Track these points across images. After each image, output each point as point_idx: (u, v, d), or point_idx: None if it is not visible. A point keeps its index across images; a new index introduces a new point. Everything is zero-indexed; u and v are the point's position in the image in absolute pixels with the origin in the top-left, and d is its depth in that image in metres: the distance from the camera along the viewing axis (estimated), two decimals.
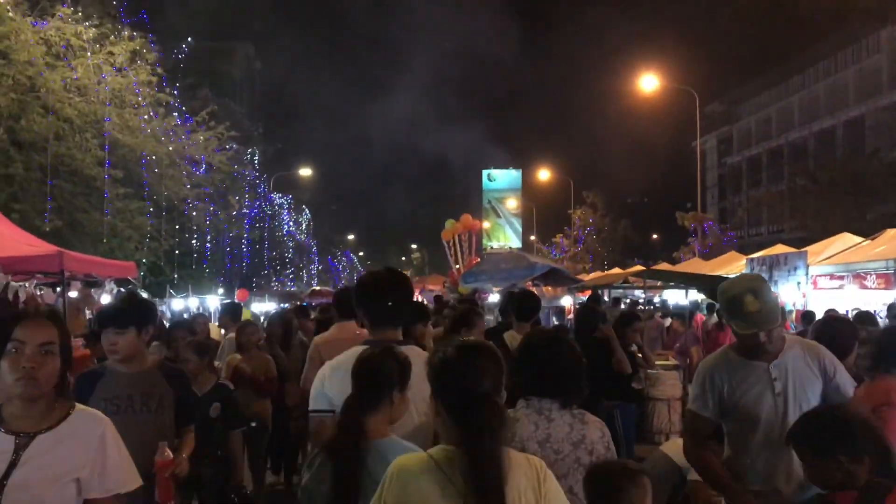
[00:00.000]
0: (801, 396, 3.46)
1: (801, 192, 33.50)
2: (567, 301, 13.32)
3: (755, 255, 20.45)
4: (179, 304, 21.00)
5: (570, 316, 12.50)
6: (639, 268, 18.28)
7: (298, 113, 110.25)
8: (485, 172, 71.94)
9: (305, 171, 45.22)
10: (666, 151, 66.00)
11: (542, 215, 56.43)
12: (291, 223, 46.78)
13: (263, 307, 27.63)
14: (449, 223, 25.59)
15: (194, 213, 19.69)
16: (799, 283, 18.94)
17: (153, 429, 3.74)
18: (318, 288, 37.19)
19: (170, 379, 3.98)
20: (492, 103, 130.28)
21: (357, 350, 3.28)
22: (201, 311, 21.59)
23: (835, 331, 4.22)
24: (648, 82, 33.71)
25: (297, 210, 48.98)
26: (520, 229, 68.46)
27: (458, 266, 25.50)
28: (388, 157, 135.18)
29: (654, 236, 62.20)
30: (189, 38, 24.17)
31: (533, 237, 57.41)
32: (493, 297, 16.47)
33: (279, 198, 41.93)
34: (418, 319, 6.47)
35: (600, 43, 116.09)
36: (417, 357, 3.15)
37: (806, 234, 33.30)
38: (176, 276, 20.60)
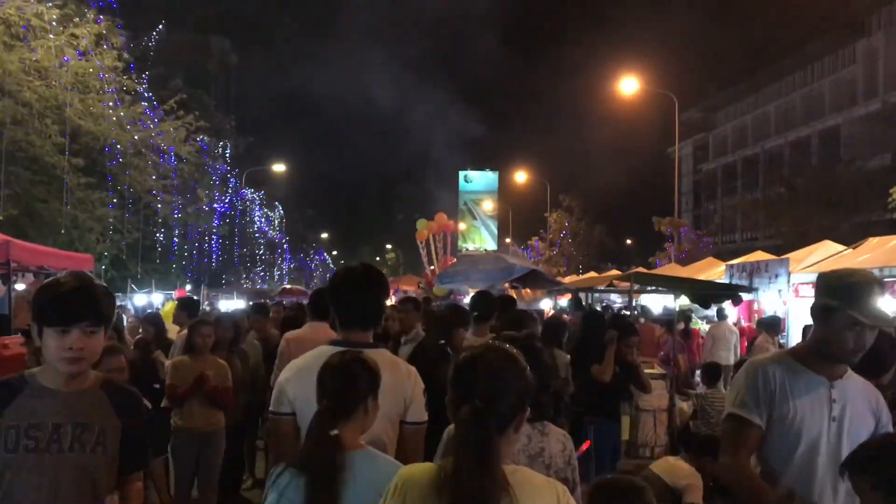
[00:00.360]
0: (853, 429, 2.90)
1: (776, 200, 33.40)
2: (546, 304, 12.70)
3: (735, 262, 20.08)
4: (142, 300, 20.22)
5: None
6: (616, 272, 17.74)
7: (274, 109, 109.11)
8: (461, 173, 71.66)
9: (279, 167, 44.39)
10: (642, 157, 66.06)
11: (519, 218, 56.04)
12: (263, 219, 45.87)
13: (232, 305, 26.87)
14: (421, 223, 24.94)
15: (159, 206, 18.81)
16: (780, 290, 18.58)
17: (86, 476, 2.62)
18: (289, 286, 36.42)
19: (118, 404, 2.73)
20: (470, 104, 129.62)
21: (322, 351, 3.06)
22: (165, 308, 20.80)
23: (875, 344, 3.66)
24: (627, 86, 33.39)
25: (269, 206, 48.06)
26: (495, 231, 68.17)
27: (432, 267, 24.91)
28: (364, 155, 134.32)
29: (629, 241, 62.13)
30: (160, 26, 23.26)
31: (508, 240, 56.96)
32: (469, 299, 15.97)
33: (251, 193, 41.00)
34: (460, 324, 6.01)
35: (579, 47, 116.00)
36: (387, 363, 3.01)
37: (781, 241, 33.25)
38: (140, 270, 19.75)
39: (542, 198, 50.55)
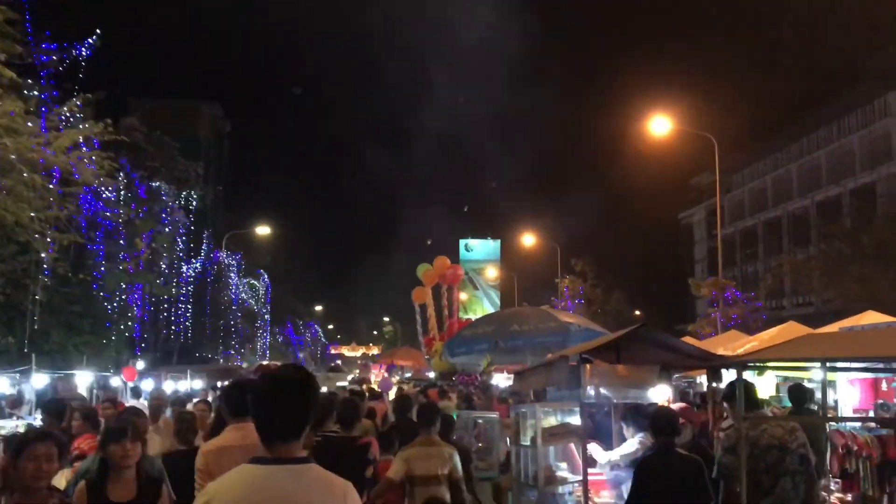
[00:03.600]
0: None
1: (837, 258, 27.69)
2: (662, 394, 6.53)
3: (847, 325, 14.10)
4: (42, 381, 13.98)
5: (686, 424, 5.98)
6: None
7: (269, 178, 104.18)
8: (462, 242, 66.52)
9: (263, 230, 38.54)
10: (655, 224, 61.23)
11: (526, 285, 50.04)
12: (245, 287, 39.68)
13: (182, 387, 20.60)
14: (421, 268, 18.82)
15: (40, 249, 12.73)
16: None
17: None
18: (266, 363, 30.11)
19: None
20: (471, 167, 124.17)
21: (245, 473, 2.61)
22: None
23: None
24: (658, 127, 28.08)
25: (250, 273, 41.87)
26: (498, 302, 62.45)
27: (432, 334, 18.71)
28: (360, 225, 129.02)
29: (637, 312, 56.53)
30: (95, 35, 17.54)
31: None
32: (500, 379, 9.95)
33: (225, 256, 34.88)
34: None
35: (583, 111, 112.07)
36: (317, 481, 2.62)
37: (840, 305, 27.56)
38: (24, 342, 13.58)
39: (551, 264, 45.55)
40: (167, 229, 23.02)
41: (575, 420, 6.50)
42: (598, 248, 49.34)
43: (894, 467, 11.52)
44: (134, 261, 18.90)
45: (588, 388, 6.43)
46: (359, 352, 70.23)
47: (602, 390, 6.53)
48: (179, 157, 25.68)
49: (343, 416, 6.09)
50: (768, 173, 53.21)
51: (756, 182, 54.72)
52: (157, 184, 23.33)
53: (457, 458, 6.04)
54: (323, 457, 5.68)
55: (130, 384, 18.48)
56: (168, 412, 9.55)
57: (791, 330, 18.91)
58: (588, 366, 6.45)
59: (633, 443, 6.93)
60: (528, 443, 6.64)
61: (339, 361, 55.97)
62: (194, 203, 28.37)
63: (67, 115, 13.38)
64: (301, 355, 49.75)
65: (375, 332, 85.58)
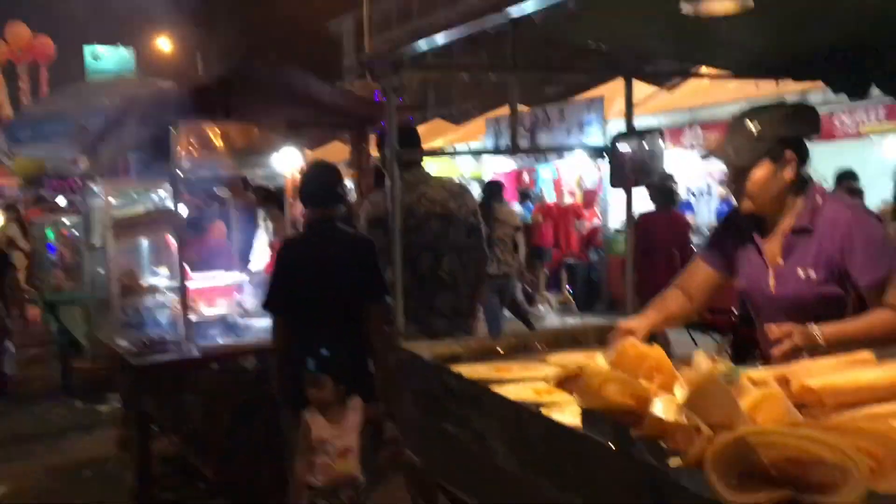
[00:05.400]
0: None
1: (479, 64, 28.02)
2: (292, 163, 4.50)
3: (497, 115, 13.71)
4: None
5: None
6: None
7: None
8: (87, 49, 57.65)
9: None
10: (303, 32, 58.37)
11: None
12: None
13: None
14: None
15: None
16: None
17: None
18: None
19: None
20: None
21: None
22: None
23: None
24: None
25: None
26: None
27: None
28: None
29: None
30: None
31: None
32: None
33: None
34: None
35: None
36: None
37: (479, 111, 28.43)
38: None
39: (194, 71, 41.53)
40: None
41: (168, 205, 4.54)
42: (244, 57, 45.77)
43: (540, 254, 11.65)
44: None
45: (184, 159, 4.44)
46: None
47: (205, 162, 4.60)
48: None
49: None
50: None
51: None
52: None
53: None
54: None
55: None
56: None
57: (439, 125, 18.71)
58: (183, 128, 4.43)
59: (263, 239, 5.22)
60: (98, 242, 4.59)
61: None
62: None
63: None
64: None
65: None
